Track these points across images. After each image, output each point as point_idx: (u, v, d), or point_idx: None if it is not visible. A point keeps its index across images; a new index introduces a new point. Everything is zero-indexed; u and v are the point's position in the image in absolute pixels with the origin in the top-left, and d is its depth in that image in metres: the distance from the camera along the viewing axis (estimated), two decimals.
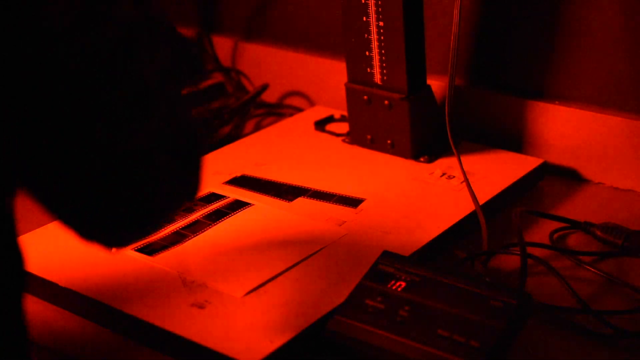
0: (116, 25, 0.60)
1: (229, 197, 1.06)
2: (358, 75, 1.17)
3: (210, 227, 1.00)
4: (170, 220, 0.69)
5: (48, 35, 0.56)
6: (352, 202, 1.06)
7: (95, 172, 0.61)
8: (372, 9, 1.11)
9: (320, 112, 1.31)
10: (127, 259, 0.94)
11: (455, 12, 1.04)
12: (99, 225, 0.65)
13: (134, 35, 0.61)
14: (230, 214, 1.03)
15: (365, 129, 1.19)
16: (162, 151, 0.64)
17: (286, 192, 1.08)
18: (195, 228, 0.99)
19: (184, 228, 0.99)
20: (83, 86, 0.58)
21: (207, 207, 1.04)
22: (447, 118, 1.06)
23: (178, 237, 0.97)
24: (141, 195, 0.64)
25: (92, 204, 0.63)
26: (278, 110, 1.42)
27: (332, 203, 1.05)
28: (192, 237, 0.97)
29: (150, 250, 0.95)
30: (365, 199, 1.06)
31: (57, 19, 0.57)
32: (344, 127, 1.25)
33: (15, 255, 0.66)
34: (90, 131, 0.60)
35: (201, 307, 0.86)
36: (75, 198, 0.63)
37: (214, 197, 1.06)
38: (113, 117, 0.60)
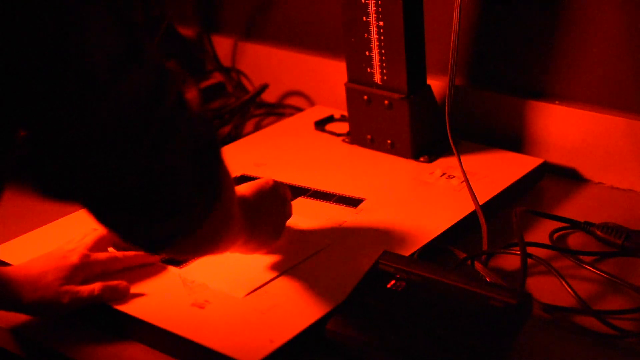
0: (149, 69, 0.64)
1: None
2: (358, 75, 1.17)
3: None
4: (198, 224, 0.71)
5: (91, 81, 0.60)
6: (352, 202, 1.05)
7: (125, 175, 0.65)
8: (372, 9, 1.11)
9: (320, 112, 1.31)
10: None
11: (455, 12, 1.04)
12: (129, 222, 0.69)
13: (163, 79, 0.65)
14: None
15: (365, 129, 1.19)
16: (183, 154, 0.67)
17: None
18: None
19: None
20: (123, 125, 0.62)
21: None
22: (447, 118, 1.06)
23: None
24: (163, 195, 0.67)
25: (125, 206, 0.67)
26: (278, 110, 1.42)
27: (332, 203, 1.05)
28: None
29: None
30: (365, 199, 1.06)
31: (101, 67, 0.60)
32: (344, 127, 1.25)
33: None
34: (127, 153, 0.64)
35: (201, 307, 0.86)
36: (112, 203, 0.67)
37: None
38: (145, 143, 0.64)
